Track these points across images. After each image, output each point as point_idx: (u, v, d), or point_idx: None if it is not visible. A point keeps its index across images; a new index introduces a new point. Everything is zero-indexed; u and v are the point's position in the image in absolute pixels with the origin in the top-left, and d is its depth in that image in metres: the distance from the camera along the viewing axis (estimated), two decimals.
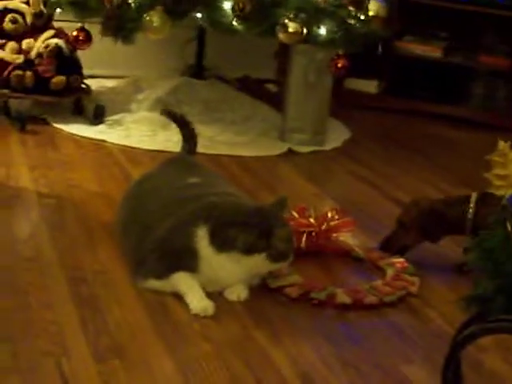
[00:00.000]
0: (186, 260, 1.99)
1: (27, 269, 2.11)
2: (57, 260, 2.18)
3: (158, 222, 2.07)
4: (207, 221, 1.97)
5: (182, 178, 2.27)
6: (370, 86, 4.65)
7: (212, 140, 3.52)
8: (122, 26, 3.23)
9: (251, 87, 4.17)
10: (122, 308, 1.95)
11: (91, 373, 1.67)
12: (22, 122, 3.37)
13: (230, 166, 3.20)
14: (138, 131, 3.52)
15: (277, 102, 3.83)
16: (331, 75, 3.48)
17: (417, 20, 4.59)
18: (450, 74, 4.61)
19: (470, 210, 2.25)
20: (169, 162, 2.45)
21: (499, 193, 1.16)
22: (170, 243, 2.01)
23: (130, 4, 3.24)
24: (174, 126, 3.47)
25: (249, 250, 1.97)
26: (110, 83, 4.28)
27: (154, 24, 3.18)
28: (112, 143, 3.34)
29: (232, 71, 4.29)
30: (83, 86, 3.72)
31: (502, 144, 1.18)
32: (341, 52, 3.37)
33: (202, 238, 1.97)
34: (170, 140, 3.41)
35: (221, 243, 1.97)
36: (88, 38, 3.32)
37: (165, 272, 2.01)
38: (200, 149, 3.23)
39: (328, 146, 3.63)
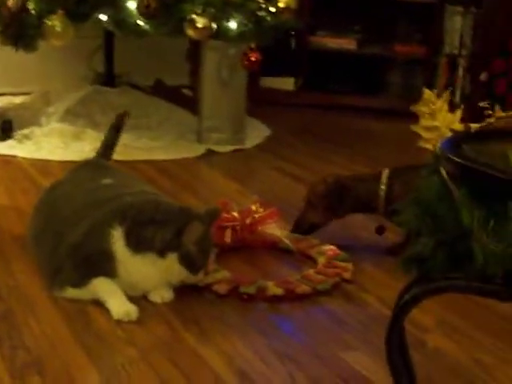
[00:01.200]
0: (103, 264, 1.87)
1: None
2: None
3: (72, 228, 1.94)
4: (123, 221, 1.86)
5: (95, 180, 2.14)
6: (286, 84, 4.58)
7: (127, 146, 3.38)
8: (22, 34, 3.09)
9: (165, 92, 4.06)
10: (39, 321, 1.82)
11: None
12: None
13: (147, 170, 3.08)
14: (50, 144, 3.38)
15: (192, 105, 3.73)
16: (245, 71, 3.39)
17: (329, 13, 4.56)
18: (366, 66, 4.59)
19: (382, 187, 2.14)
20: (81, 166, 2.32)
21: (428, 146, 1.07)
22: (85, 248, 1.88)
23: (29, 10, 3.09)
24: (86, 136, 3.38)
25: (163, 250, 1.86)
26: (17, 100, 4.11)
27: (57, 29, 3.05)
28: (23, 157, 3.19)
29: (144, 77, 4.18)
30: None
31: (427, 92, 1.09)
32: (253, 46, 3.28)
33: (117, 239, 1.86)
34: (82, 151, 3.27)
35: (137, 244, 1.86)
36: None
37: (82, 279, 1.88)
38: (115, 156, 3.12)
39: (249, 144, 3.54)
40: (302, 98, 4.50)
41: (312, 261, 2.20)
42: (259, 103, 4.16)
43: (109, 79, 3.99)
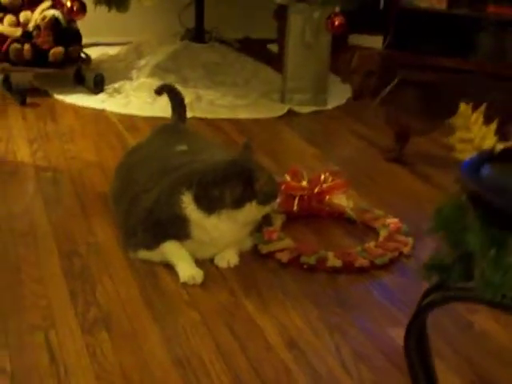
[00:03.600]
0: (176, 228, 2.00)
1: (21, 244, 2.12)
2: (51, 234, 2.19)
3: (146, 193, 2.08)
4: (189, 187, 1.97)
5: (171, 146, 2.26)
6: (375, 42, 4.59)
7: (213, 104, 3.51)
8: None
9: (252, 48, 4.14)
10: (112, 279, 1.96)
11: (79, 345, 1.69)
12: (23, 96, 3.37)
13: (229, 130, 3.19)
14: (138, 98, 3.52)
15: (278, 63, 3.80)
16: (329, 34, 3.43)
17: None
18: (456, 27, 4.53)
19: None
20: (159, 130, 2.45)
21: (463, 157, 1.14)
22: (157, 213, 2.01)
23: None
24: None
25: (238, 203, 1.96)
26: (111, 51, 4.27)
27: None
28: (111, 112, 3.34)
29: (233, 33, 4.27)
30: (83, 55, 3.71)
31: (463, 106, 1.16)
32: (337, 10, 3.32)
33: (188, 203, 1.97)
34: (168, 106, 3.39)
35: (208, 205, 1.96)
36: (82, 8, 3.31)
37: (154, 242, 2.02)
38: (200, 113, 3.26)
39: (330, 105, 3.60)
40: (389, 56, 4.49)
41: (375, 233, 2.27)
42: (347, 61, 4.19)
43: (198, 35, 4.10)
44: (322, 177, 2.38)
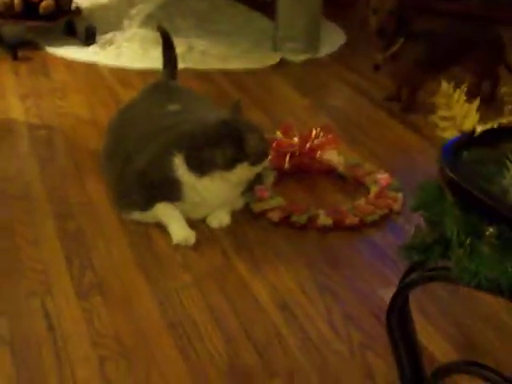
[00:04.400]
0: (169, 190, 2.02)
1: (16, 206, 2.15)
2: (45, 195, 2.21)
3: (138, 153, 2.10)
4: (181, 149, 1.99)
5: (162, 105, 2.27)
6: None
7: (204, 54, 3.50)
8: None
9: None
10: (106, 241, 2.00)
11: (74, 310, 1.72)
12: (14, 50, 3.36)
13: (221, 81, 3.19)
14: (130, 50, 3.51)
15: (270, 9, 3.77)
16: None
17: None
18: None
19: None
20: (150, 88, 2.45)
21: (445, 135, 1.16)
22: (149, 175, 2.03)
23: None
24: None
25: (229, 164, 1.98)
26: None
27: None
28: (103, 65, 3.34)
29: None
30: (73, 7, 3.68)
31: (445, 85, 1.17)
32: None
33: (179, 166, 1.99)
34: (160, 58, 3.38)
35: (200, 167, 1.98)
36: None
37: (148, 203, 2.04)
38: (192, 64, 3.25)
39: (323, 53, 3.59)
40: None
41: (366, 188, 2.29)
42: (342, 3, 4.19)
43: None
44: (314, 132, 2.39)
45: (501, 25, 4.03)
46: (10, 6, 3.42)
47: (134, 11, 3.94)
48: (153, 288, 1.81)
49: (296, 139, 2.36)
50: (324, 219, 2.07)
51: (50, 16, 3.50)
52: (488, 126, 1.08)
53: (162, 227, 2.04)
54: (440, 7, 4.38)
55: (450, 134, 1.14)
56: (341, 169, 2.34)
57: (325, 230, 2.07)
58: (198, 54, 3.47)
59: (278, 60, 3.43)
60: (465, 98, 1.15)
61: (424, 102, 2.91)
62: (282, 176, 2.33)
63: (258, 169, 2.03)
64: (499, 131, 1.08)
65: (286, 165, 2.32)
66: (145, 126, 2.19)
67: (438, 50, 2.86)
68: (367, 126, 2.79)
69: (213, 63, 3.38)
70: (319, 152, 2.35)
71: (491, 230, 0.89)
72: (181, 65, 3.25)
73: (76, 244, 1.98)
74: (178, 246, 1.97)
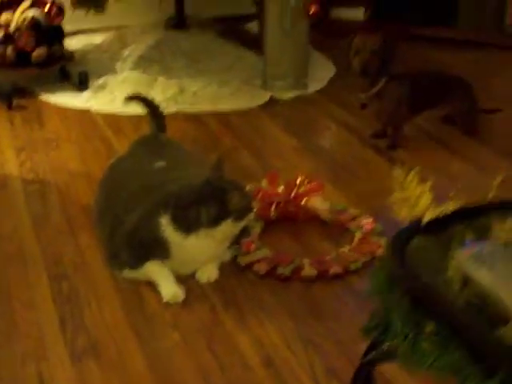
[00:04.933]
0: (157, 249, 2.09)
1: (11, 267, 2.22)
2: (39, 254, 2.29)
3: (127, 214, 2.17)
4: (167, 210, 2.06)
5: (150, 161, 2.34)
6: (357, 14, 4.63)
7: (196, 95, 3.58)
8: None
9: (234, 30, 4.20)
10: (99, 301, 2.07)
11: (68, 375, 1.80)
12: (9, 99, 3.44)
13: (211, 124, 3.27)
14: (123, 94, 3.55)
15: (259, 44, 3.83)
16: (306, 20, 3.48)
17: None
18: None
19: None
20: (139, 143, 2.54)
21: (402, 215, 1.23)
22: (138, 236, 2.11)
23: None
24: (157, 84, 3.58)
25: (214, 222, 2.05)
26: (96, 39, 4.32)
27: None
28: (97, 111, 3.42)
29: (213, 11, 4.30)
30: (66, 52, 3.77)
31: (397, 171, 1.25)
32: None
33: (166, 226, 2.07)
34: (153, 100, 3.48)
35: (186, 226, 2.06)
36: (60, 12, 3.36)
37: (137, 262, 2.12)
38: (183, 107, 3.34)
39: (312, 89, 3.67)
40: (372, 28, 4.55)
41: (351, 233, 2.36)
42: (330, 35, 4.28)
43: (180, 21, 4.15)
44: (298, 180, 2.46)
45: (486, 47, 4.14)
46: (3, 55, 3.51)
47: (126, 52, 4.03)
48: (144, 348, 1.88)
49: (281, 188, 2.43)
50: (308, 270, 2.14)
51: (43, 64, 3.58)
52: (436, 213, 1.15)
53: (152, 285, 2.11)
54: (428, 33, 4.47)
55: (406, 214, 1.21)
56: (325, 215, 2.40)
57: (310, 281, 2.13)
58: (190, 95, 3.55)
59: (267, 99, 3.51)
60: (417, 180, 1.22)
61: (409, 136, 3.00)
62: (269, 225, 2.40)
63: (242, 223, 2.10)
64: (448, 217, 1.14)
65: (272, 214, 2.39)
66: (133, 184, 2.26)
67: (419, 90, 2.94)
68: (354, 165, 2.86)
69: (204, 105, 3.45)
70: (304, 200, 2.42)
71: (430, 326, 0.96)
72: (173, 108, 3.37)
73: (70, 305, 2.05)
74: (167, 304, 2.04)
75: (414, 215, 1.20)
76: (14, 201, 2.63)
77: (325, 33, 4.44)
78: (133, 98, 2.72)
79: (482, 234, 1.14)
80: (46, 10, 3.36)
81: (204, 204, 2.04)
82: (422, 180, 1.26)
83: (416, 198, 1.20)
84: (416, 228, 1.13)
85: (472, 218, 1.16)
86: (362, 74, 2.88)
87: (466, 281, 1.00)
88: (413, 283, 0.99)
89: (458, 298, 1.01)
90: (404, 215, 1.19)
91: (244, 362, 1.83)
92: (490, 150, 3.00)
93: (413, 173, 1.22)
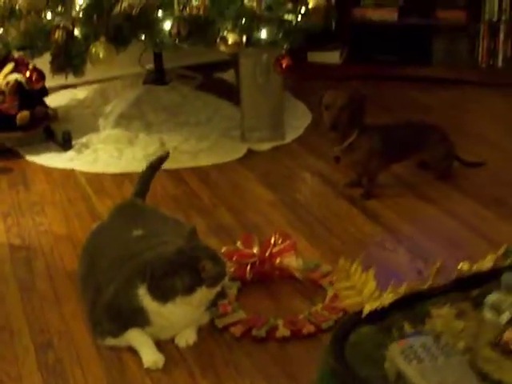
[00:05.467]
0: (137, 318, 2.20)
1: None
2: (26, 325, 2.38)
3: (107, 282, 2.28)
4: (143, 280, 2.17)
5: (128, 229, 2.45)
6: (332, 57, 4.76)
7: (176, 150, 3.69)
8: (69, 63, 3.37)
9: (211, 81, 4.32)
10: (83, 371, 2.17)
11: None
12: None
13: (190, 180, 3.38)
14: (105, 152, 3.70)
15: (236, 95, 3.95)
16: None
17: None
18: (410, 35, 4.69)
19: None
20: (117, 211, 2.65)
21: (348, 302, 1.33)
22: (117, 306, 2.21)
23: (74, 37, 3.36)
24: (138, 141, 3.70)
25: (189, 290, 2.16)
26: (80, 93, 4.44)
27: (100, 56, 3.31)
28: (80, 171, 3.53)
29: (190, 60, 4.43)
30: (50, 111, 3.89)
31: (341, 262, 1.36)
32: (283, 52, 3.49)
33: (143, 296, 2.17)
34: (134, 158, 3.62)
35: (162, 295, 2.17)
36: (41, 77, 3.48)
37: (118, 331, 2.22)
38: (164, 164, 3.44)
39: (289, 138, 3.79)
40: (347, 70, 4.69)
41: (323, 290, 2.46)
42: (306, 78, 4.42)
43: (159, 76, 4.27)
44: (273, 239, 2.57)
45: (461, 85, 4.28)
46: None
47: (108, 108, 4.15)
48: None
49: (256, 249, 2.53)
50: (282, 330, 2.24)
51: (27, 126, 3.70)
52: (377, 304, 1.26)
53: (134, 351, 2.21)
54: (403, 73, 4.60)
55: (353, 301, 1.32)
56: (299, 274, 2.51)
57: (284, 341, 2.23)
58: (170, 151, 3.65)
59: (244, 151, 3.62)
60: (361, 269, 1.33)
61: (383, 184, 3.12)
62: (246, 285, 2.50)
63: (216, 289, 2.21)
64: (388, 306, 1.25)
65: (248, 275, 2.49)
66: (112, 253, 2.37)
67: (392, 141, 3.07)
68: (329, 219, 2.97)
69: (184, 161, 3.56)
70: (278, 259, 2.52)
71: None
72: None
73: (55, 376, 2.15)
74: (148, 370, 2.14)
75: (359, 303, 1.31)
76: (1, 269, 2.73)
77: (302, 76, 4.57)
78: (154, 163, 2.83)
79: (420, 322, 1.24)
80: (28, 75, 3.46)
81: (178, 273, 2.14)
82: (366, 269, 1.37)
83: (360, 285, 1.30)
84: (357, 319, 1.23)
85: (411, 305, 1.26)
86: (333, 129, 3.00)
87: (399, 373, 1.11)
88: (346, 379, 1.10)
89: None
90: (349, 303, 1.29)
91: None
92: (465, 196, 3.10)
93: (357, 262, 1.33)
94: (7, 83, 3.69)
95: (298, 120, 4.01)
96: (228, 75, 4.48)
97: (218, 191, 3.27)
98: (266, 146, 3.68)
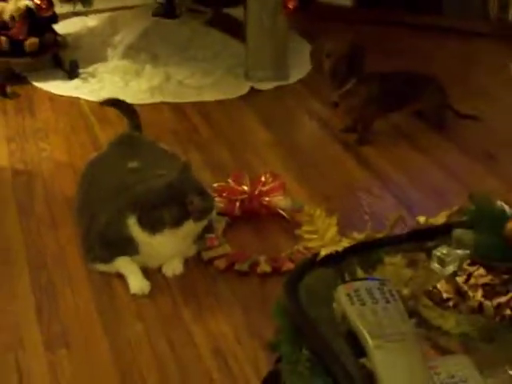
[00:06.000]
0: (126, 247, 2.32)
1: None
2: (23, 247, 2.51)
3: (100, 212, 2.39)
4: (134, 211, 2.29)
5: (124, 161, 2.54)
6: None
7: (181, 84, 3.77)
8: None
9: (223, 21, 4.37)
10: (73, 292, 2.30)
11: (42, 364, 2.02)
12: (3, 87, 3.65)
13: (192, 115, 3.47)
14: (111, 82, 3.78)
15: (243, 33, 3.99)
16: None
17: None
18: None
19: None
20: (115, 142, 2.74)
21: (311, 245, 1.44)
22: (108, 234, 2.33)
23: None
24: (144, 72, 3.78)
25: (177, 222, 2.28)
26: (90, 22, 4.50)
27: None
28: (85, 100, 3.62)
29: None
30: (59, 38, 3.96)
31: (307, 208, 1.46)
32: None
33: (133, 226, 2.30)
34: (139, 89, 3.70)
35: (151, 226, 2.29)
36: (50, 5, 3.55)
37: (109, 257, 2.35)
38: (168, 97, 3.54)
39: (293, 78, 3.85)
40: (357, 13, 4.72)
41: None
42: (317, 18, 4.46)
43: (169, 8, 4.32)
44: (263, 178, 2.68)
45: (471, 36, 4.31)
46: None
47: (117, 38, 4.21)
48: (109, 337, 2.11)
49: (245, 187, 2.64)
50: (264, 266, 2.36)
51: (36, 52, 3.78)
52: (332, 249, 1.36)
53: (122, 277, 2.33)
54: (412, 20, 4.62)
55: (315, 244, 1.42)
56: (285, 213, 2.62)
57: (265, 276, 2.35)
58: (175, 85, 3.74)
59: (247, 89, 3.69)
60: (324, 214, 1.43)
61: (378, 131, 3.20)
62: (234, 220, 2.62)
63: (203, 223, 2.33)
64: (343, 252, 1.36)
65: (237, 211, 2.60)
66: (107, 184, 2.48)
67: (387, 90, 3.15)
68: (321, 161, 3.06)
69: (188, 95, 3.64)
70: (267, 197, 2.63)
71: (306, 353, 1.18)
72: (158, 98, 3.58)
73: (46, 295, 2.28)
74: (134, 296, 2.27)
75: (322, 246, 1.41)
76: (2, 192, 2.84)
77: (311, 17, 4.61)
78: (106, 102, 2.91)
79: (372, 268, 1.35)
80: (38, 2, 3.52)
81: (167, 206, 2.26)
82: (330, 214, 1.47)
83: (323, 230, 1.41)
84: (312, 262, 1.34)
85: (367, 252, 1.37)
86: (332, 76, 3.07)
87: (344, 314, 1.22)
88: (295, 317, 1.21)
89: (340, 327, 1.23)
90: (312, 246, 1.40)
91: (197, 353, 2.06)
92: (457, 148, 3.18)
93: (320, 208, 1.43)
94: (18, 9, 3.75)
95: (303, 61, 4.05)
96: (237, 11, 4.51)
97: (217, 127, 3.36)
98: (269, 86, 3.75)
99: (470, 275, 1.25)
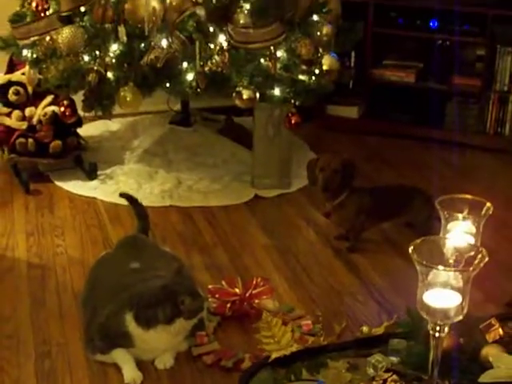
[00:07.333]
0: (123, 340, 2.56)
1: (6, 347, 2.69)
2: (31, 336, 2.76)
3: (102, 307, 2.64)
4: (131, 308, 2.54)
5: (127, 261, 2.81)
6: (350, 112, 5.11)
7: (190, 189, 4.06)
8: (100, 102, 3.77)
9: (233, 130, 4.69)
10: (72, 378, 2.53)
11: None
12: (27, 185, 3.96)
13: (198, 219, 3.73)
14: (126, 185, 4.07)
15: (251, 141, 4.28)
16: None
17: (391, 49, 5.03)
18: (425, 98, 5.00)
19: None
20: (122, 243, 3.01)
21: (268, 348, 1.67)
22: (108, 328, 2.58)
23: (107, 80, 3.75)
24: (157, 176, 4.08)
25: (169, 320, 2.53)
26: (113, 126, 4.84)
27: (127, 99, 3.70)
28: (101, 200, 3.91)
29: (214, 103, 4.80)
30: (81, 142, 4.29)
31: (265, 314, 1.70)
32: (293, 110, 3.84)
33: (130, 322, 2.54)
34: (152, 193, 3.99)
35: (146, 322, 2.53)
36: (73, 112, 3.89)
37: (107, 349, 2.58)
38: (177, 202, 3.81)
39: (294, 187, 4.13)
40: (363, 125, 5.03)
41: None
42: (325, 128, 4.78)
43: (184, 117, 4.66)
44: (254, 281, 2.92)
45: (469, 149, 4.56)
46: (25, 145, 4.04)
47: (136, 142, 4.55)
48: None
49: (237, 290, 2.88)
50: (247, 363, 2.56)
51: (59, 154, 4.10)
52: (283, 352, 1.60)
53: (118, 367, 2.56)
54: (416, 133, 4.92)
55: (271, 348, 1.66)
56: (273, 315, 2.84)
57: None
58: (185, 189, 4.02)
59: (251, 196, 3.97)
60: (281, 322, 1.67)
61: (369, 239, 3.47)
62: (225, 320, 2.85)
63: (193, 321, 2.57)
64: (293, 355, 1.59)
65: (227, 311, 2.84)
66: (109, 281, 2.74)
67: (377, 203, 3.41)
68: (312, 267, 3.30)
69: (195, 200, 3.92)
70: (257, 300, 2.87)
71: None
72: (168, 201, 3.86)
73: (48, 382, 2.51)
74: None
75: (278, 349, 1.65)
76: (17, 284, 3.11)
77: (320, 127, 4.94)
78: (125, 195, 3.20)
79: (317, 371, 1.58)
80: (62, 109, 3.85)
81: (161, 305, 2.51)
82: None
83: (280, 336, 1.64)
84: (263, 363, 1.57)
85: (314, 357, 1.60)
86: (325, 189, 3.35)
87: None
88: None
89: None
90: (270, 348, 1.63)
91: None
92: None
93: (278, 317, 1.67)
94: (45, 114, 4.10)
95: (305, 170, 4.33)
96: (248, 121, 4.84)
97: (220, 231, 3.62)
98: (271, 193, 4.03)
99: (385, 381, 1.47)
